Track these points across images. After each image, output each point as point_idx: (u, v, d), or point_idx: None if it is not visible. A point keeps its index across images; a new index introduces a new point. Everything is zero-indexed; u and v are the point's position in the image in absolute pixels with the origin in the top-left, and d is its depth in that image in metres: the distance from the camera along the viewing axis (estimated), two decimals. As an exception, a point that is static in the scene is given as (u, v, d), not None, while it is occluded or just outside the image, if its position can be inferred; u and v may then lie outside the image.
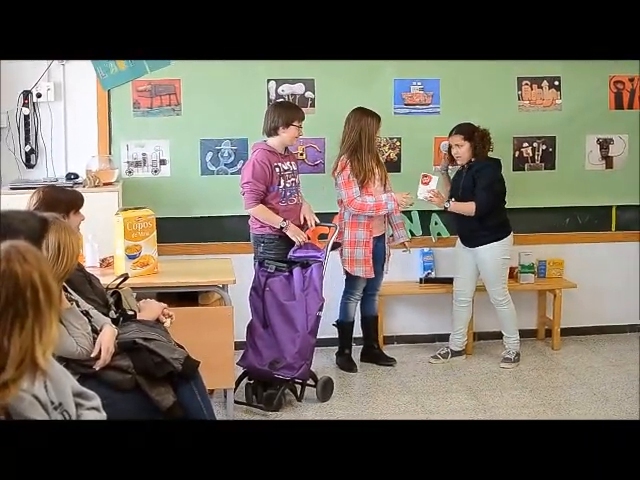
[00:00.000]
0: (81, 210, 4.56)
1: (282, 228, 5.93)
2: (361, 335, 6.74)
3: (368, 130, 6.23)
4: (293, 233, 5.95)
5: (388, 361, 6.63)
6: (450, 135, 6.45)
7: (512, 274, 7.02)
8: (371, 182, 6.26)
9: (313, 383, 5.88)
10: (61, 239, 3.60)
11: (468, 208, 6.39)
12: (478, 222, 6.40)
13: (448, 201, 6.42)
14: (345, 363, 6.54)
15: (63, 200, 4.45)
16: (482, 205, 6.36)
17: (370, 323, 6.71)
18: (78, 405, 2.79)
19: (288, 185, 6.03)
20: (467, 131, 6.38)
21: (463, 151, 6.38)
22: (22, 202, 4.48)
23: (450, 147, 6.50)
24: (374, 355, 6.68)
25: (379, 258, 6.45)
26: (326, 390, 5.93)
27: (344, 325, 6.58)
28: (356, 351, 6.69)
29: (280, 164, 5.99)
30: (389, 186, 6.45)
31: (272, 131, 5.99)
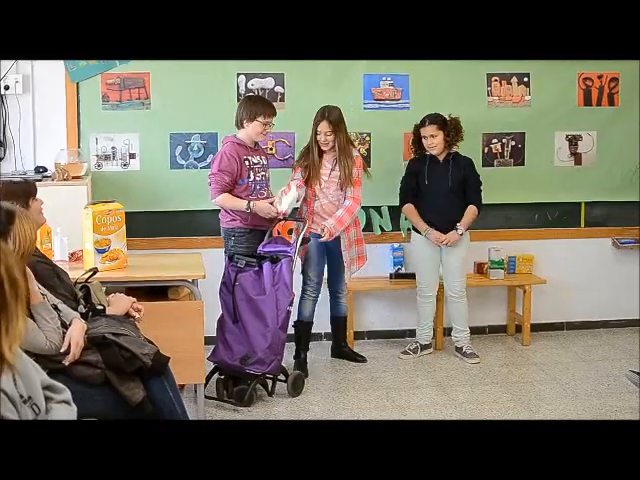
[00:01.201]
0: (50, 203, 4.56)
1: (249, 210, 5.86)
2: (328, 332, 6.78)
3: (312, 136, 6.22)
4: (261, 209, 5.86)
5: (358, 359, 6.61)
6: (422, 125, 6.43)
7: (482, 270, 7.06)
8: (314, 182, 6.23)
9: (284, 378, 5.87)
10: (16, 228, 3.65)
11: (474, 214, 6.52)
12: (460, 215, 6.46)
13: (456, 228, 6.45)
14: (298, 367, 6.28)
15: (20, 191, 4.46)
16: (481, 204, 6.52)
17: (337, 324, 6.65)
18: (48, 398, 2.76)
19: (258, 179, 5.99)
20: (440, 120, 6.41)
21: (438, 141, 6.40)
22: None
23: (420, 138, 6.48)
24: (343, 353, 6.67)
25: (320, 256, 6.33)
26: (297, 385, 5.91)
27: (298, 325, 6.38)
28: (325, 347, 6.73)
29: (250, 157, 5.95)
30: (350, 190, 6.25)
31: (239, 124, 5.95)
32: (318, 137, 6.15)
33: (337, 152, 6.19)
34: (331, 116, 6.14)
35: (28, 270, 3.94)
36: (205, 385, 5.60)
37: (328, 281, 6.52)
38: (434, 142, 6.40)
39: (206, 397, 5.57)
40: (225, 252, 6.02)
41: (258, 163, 6.00)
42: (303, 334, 6.37)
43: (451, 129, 6.39)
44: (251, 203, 5.86)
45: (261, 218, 5.94)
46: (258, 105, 5.98)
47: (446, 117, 6.42)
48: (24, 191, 4.49)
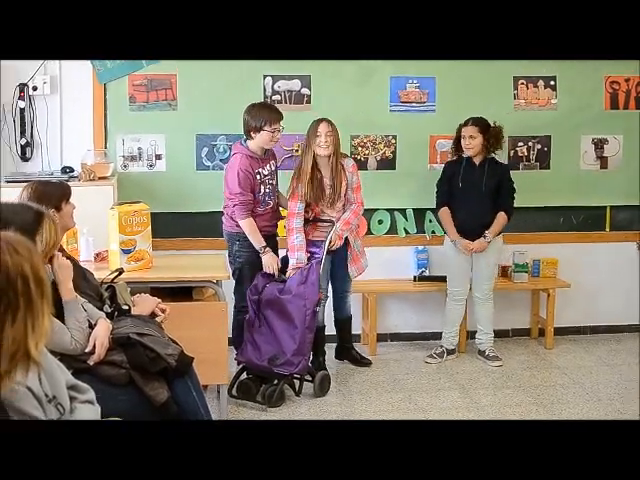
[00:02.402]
0: (76, 203, 4.57)
1: (260, 252, 5.86)
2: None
3: (307, 147, 6.03)
4: (266, 262, 5.87)
5: (363, 362, 6.59)
6: (465, 125, 6.44)
7: (506, 273, 7.05)
8: (319, 202, 6.07)
9: (310, 378, 5.90)
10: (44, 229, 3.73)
11: (504, 221, 6.50)
12: (491, 219, 6.46)
13: (485, 236, 6.44)
14: (319, 369, 6.16)
15: (54, 193, 4.46)
16: (512, 210, 6.52)
17: (345, 325, 6.57)
18: (72, 398, 2.79)
19: (267, 190, 5.95)
20: (483, 124, 6.42)
21: (476, 143, 6.40)
22: (17, 195, 4.48)
23: (460, 137, 6.48)
24: (350, 355, 6.62)
25: (330, 263, 6.19)
26: (323, 385, 5.94)
27: (316, 331, 6.10)
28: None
29: (261, 170, 5.90)
30: (353, 197, 6.12)
31: (247, 134, 5.89)
32: (318, 139, 5.88)
33: (333, 157, 5.95)
34: (328, 119, 5.97)
35: (67, 263, 4.00)
36: (233, 385, 5.65)
37: (334, 283, 6.37)
38: (472, 143, 6.40)
39: (232, 396, 5.63)
40: (229, 255, 6.00)
41: (268, 174, 5.96)
42: (321, 339, 6.27)
43: (492, 136, 6.40)
44: (265, 249, 5.86)
45: (266, 222, 5.97)
46: (262, 114, 5.85)
47: (490, 123, 6.43)
48: (59, 193, 4.49)
